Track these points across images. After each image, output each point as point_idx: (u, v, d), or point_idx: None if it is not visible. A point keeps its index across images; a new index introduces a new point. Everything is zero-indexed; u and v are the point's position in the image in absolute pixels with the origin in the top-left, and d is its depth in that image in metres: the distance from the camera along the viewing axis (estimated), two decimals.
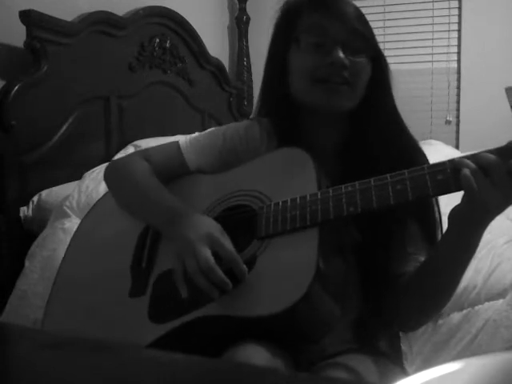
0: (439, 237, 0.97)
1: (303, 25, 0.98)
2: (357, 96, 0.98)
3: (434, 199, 0.97)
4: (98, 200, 1.15)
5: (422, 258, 0.95)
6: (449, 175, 0.78)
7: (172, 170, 1.07)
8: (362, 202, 0.83)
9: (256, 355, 0.78)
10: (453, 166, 0.79)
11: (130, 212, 1.05)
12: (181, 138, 1.10)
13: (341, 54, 0.94)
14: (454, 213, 0.83)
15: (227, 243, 0.86)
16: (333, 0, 0.98)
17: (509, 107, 0.77)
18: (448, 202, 1.04)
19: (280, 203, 0.90)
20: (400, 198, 0.80)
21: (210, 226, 0.89)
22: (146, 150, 1.14)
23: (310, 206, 0.86)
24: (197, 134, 1.12)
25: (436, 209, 0.98)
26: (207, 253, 0.84)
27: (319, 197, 0.86)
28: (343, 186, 0.86)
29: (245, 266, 0.84)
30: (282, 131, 1.02)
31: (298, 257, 0.83)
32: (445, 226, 1.00)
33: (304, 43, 0.97)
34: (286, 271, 0.83)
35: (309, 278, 0.78)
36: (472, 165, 0.77)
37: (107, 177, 1.13)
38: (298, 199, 0.88)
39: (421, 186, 0.79)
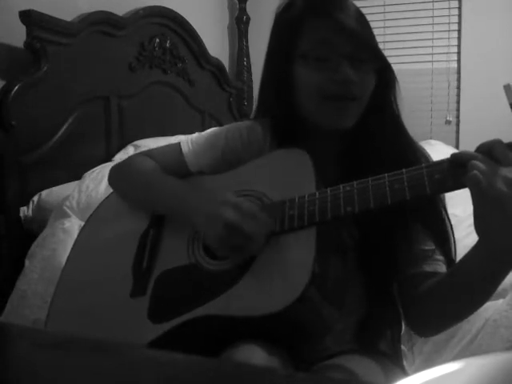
0: (450, 235, 0.95)
1: (306, 38, 0.95)
2: (362, 110, 0.96)
3: (438, 198, 0.96)
4: (100, 203, 1.15)
5: (439, 257, 0.93)
6: (446, 173, 0.78)
7: (173, 172, 1.07)
8: (359, 201, 0.82)
9: (254, 355, 0.78)
10: (451, 163, 0.78)
11: (140, 204, 1.06)
12: (182, 140, 1.10)
13: (349, 70, 0.92)
14: (475, 221, 0.77)
15: (246, 202, 0.87)
16: (335, 9, 0.94)
17: (508, 105, 0.77)
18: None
19: (278, 203, 0.90)
20: (397, 197, 0.80)
21: (223, 193, 0.90)
22: (147, 151, 1.14)
23: (307, 206, 0.86)
24: (198, 134, 1.12)
25: (441, 205, 0.96)
26: (229, 212, 0.85)
27: (317, 196, 0.86)
28: (341, 186, 0.85)
29: (268, 219, 0.87)
30: (282, 139, 1.01)
31: (294, 257, 0.83)
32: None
33: (310, 59, 0.94)
34: (283, 272, 0.83)
35: (304, 279, 0.78)
36: (475, 154, 0.76)
37: (112, 178, 1.13)
38: (297, 199, 0.88)
39: (418, 184, 0.79)
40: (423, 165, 0.81)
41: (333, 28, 0.93)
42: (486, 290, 0.84)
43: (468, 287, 0.84)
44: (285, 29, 0.99)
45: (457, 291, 0.85)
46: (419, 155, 0.99)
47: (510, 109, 0.77)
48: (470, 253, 0.82)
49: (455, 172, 0.77)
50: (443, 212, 0.96)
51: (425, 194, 0.79)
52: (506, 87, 0.79)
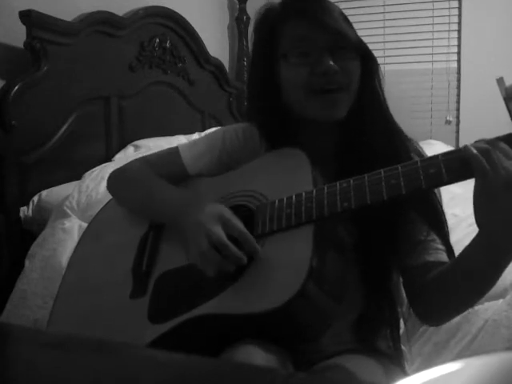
0: (443, 218, 0.96)
1: (287, 37, 0.97)
2: (352, 99, 0.97)
3: (433, 190, 0.97)
4: (102, 208, 1.15)
5: (439, 246, 0.94)
6: (441, 168, 0.78)
7: (172, 176, 1.07)
8: (355, 197, 0.83)
9: (254, 355, 0.78)
10: (446, 158, 0.79)
11: (139, 212, 1.06)
12: (180, 144, 1.11)
13: (331, 62, 0.93)
14: (475, 211, 0.79)
15: (238, 223, 0.87)
16: (311, 6, 0.96)
17: (502, 99, 0.78)
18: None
19: (276, 202, 0.90)
20: (393, 192, 0.81)
21: (220, 208, 0.91)
22: (146, 156, 1.15)
23: (305, 203, 0.86)
24: (196, 137, 1.12)
25: (434, 197, 0.96)
26: (219, 230, 0.86)
27: (314, 194, 0.87)
28: (338, 183, 0.86)
29: (257, 245, 0.86)
30: (276, 140, 1.02)
31: (292, 254, 0.84)
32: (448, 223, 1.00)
33: (291, 56, 0.96)
34: (281, 268, 0.83)
35: (303, 273, 0.79)
36: (474, 150, 0.77)
37: (111, 184, 1.14)
38: (294, 197, 0.88)
39: (413, 179, 0.80)
40: (418, 159, 0.82)
41: (310, 24, 0.95)
42: (489, 277, 0.85)
43: (472, 275, 0.85)
44: (266, 33, 1.01)
45: (461, 280, 0.87)
46: (411, 148, 0.99)
47: (505, 104, 0.78)
48: (472, 243, 0.84)
49: (450, 166, 0.78)
50: (434, 197, 0.97)
51: (420, 188, 0.80)
52: (499, 80, 0.79)
